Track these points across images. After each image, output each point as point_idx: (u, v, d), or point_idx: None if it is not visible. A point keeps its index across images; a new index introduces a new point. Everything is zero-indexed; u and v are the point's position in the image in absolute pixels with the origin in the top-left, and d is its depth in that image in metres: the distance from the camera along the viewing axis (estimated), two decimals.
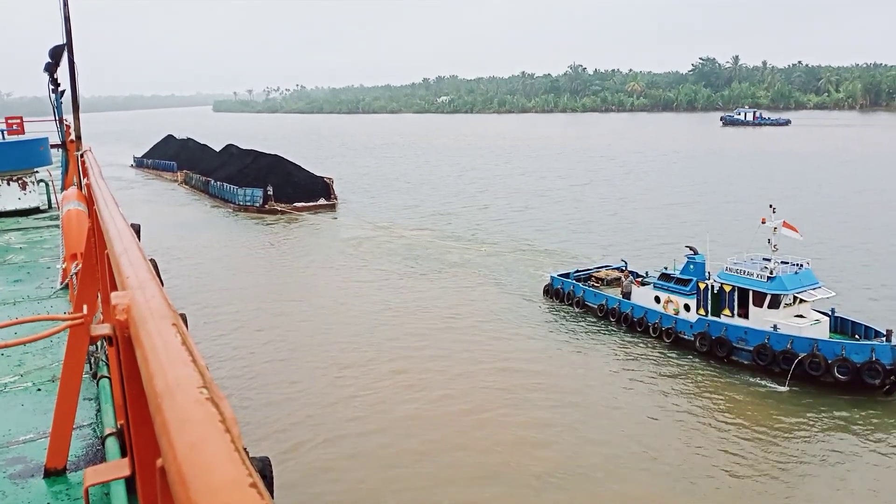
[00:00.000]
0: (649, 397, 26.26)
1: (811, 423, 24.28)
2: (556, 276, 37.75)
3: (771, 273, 28.22)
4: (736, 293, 29.05)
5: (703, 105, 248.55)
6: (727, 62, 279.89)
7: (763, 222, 29.43)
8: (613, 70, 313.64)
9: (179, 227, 61.32)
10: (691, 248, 32.44)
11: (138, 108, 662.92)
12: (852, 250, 46.08)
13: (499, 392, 26.45)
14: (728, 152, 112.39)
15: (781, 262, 28.93)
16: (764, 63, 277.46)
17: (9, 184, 20.46)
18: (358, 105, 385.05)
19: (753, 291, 28.45)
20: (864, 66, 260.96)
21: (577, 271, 38.40)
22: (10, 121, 24.28)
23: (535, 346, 31.38)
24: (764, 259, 29.31)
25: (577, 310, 35.50)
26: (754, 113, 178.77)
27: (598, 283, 36.71)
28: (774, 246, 29.09)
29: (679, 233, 52.70)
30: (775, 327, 27.47)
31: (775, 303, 28.09)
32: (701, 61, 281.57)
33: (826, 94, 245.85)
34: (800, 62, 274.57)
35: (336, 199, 70.43)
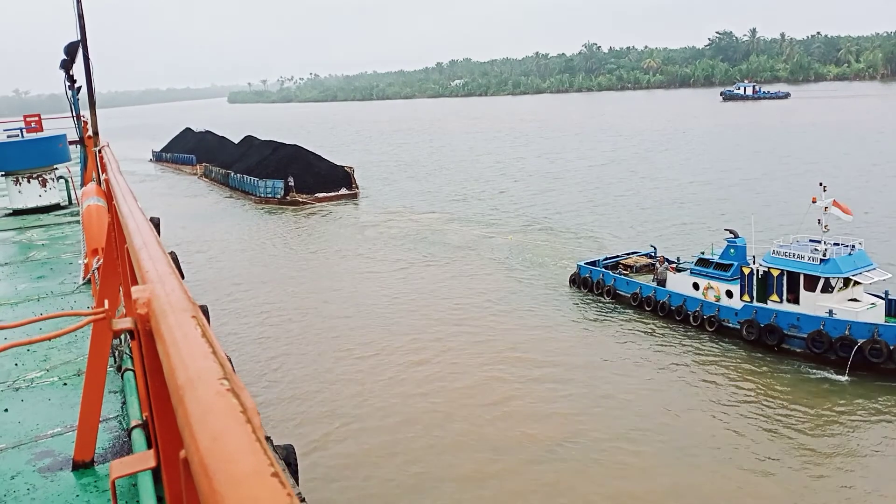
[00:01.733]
0: (698, 389, 24.94)
1: (878, 413, 22.86)
2: (583, 264, 36.11)
3: (824, 255, 26.53)
4: (785, 277, 27.34)
5: (720, 80, 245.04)
6: (744, 35, 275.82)
7: (814, 201, 27.79)
8: (629, 47, 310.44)
9: (201, 220, 61.79)
10: (731, 231, 30.82)
11: (154, 103, 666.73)
12: (880, 226, 45.32)
13: (532, 386, 25.54)
14: (743, 128, 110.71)
15: (834, 244, 27.16)
16: (782, 35, 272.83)
17: (29, 181, 20.70)
18: (372, 92, 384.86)
19: (805, 275, 26.79)
20: (885, 34, 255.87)
21: (606, 259, 36.56)
22: (28, 119, 24.55)
23: (568, 338, 30.09)
24: (811, 241, 27.79)
25: (607, 299, 33.93)
26: (753, 87, 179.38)
27: (626, 270, 35.09)
28: (825, 226, 27.36)
29: (700, 214, 52.24)
30: (831, 313, 25.88)
31: (828, 287, 26.48)
32: (717, 35, 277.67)
33: (846, 64, 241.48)
34: (819, 33, 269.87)
35: (358, 188, 69.72)
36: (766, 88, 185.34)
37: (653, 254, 35.97)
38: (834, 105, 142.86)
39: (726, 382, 25.43)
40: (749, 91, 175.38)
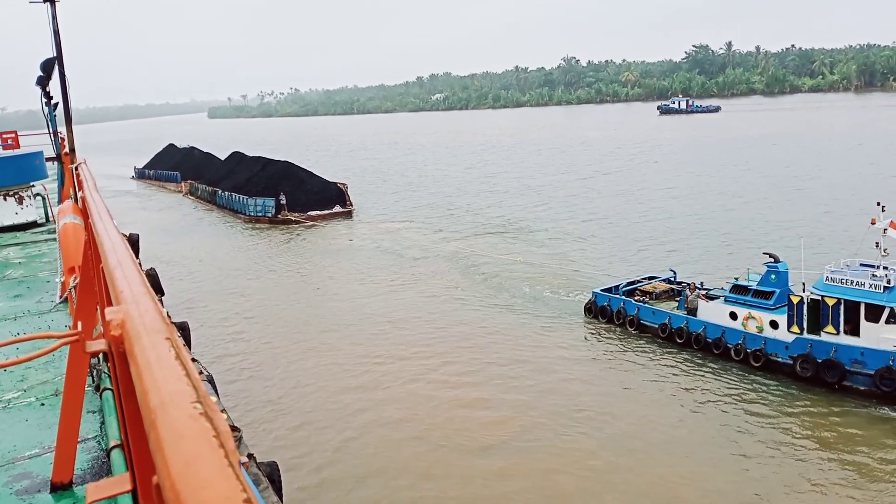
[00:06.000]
0: (753, 436, 22.16)
1: None
2: (599, 291, 32.77)
3: (888, 282, 23.95)
4: (842, 307, 24.51)
5: (697, 92, 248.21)
6: (720, 48, 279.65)
7: (873, 223, 25.11)
8: (607, 61, 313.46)
9: (185, 238, 60.69)
10: (771, 256, 28.04)
11: (133, 118, 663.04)
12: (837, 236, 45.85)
13: (552, 433, 22.71)
14: (696, 140, 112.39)
15: None
16: (757, 48, 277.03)
17: (5, 199, 20.45)
18: (352, 106, 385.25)
19: (866, 304, 24.02)
20: (858, 47, 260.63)
21: (622, 284, 33.02)
22: (5, 136, 24.34)
23: (592, 379, 26.76)
24: (862, 265, 25.34)
25: (630, 330, 30.71)
26: (687, 101, 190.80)
27: (645, 297, 31.91)
28: (885, 250, 24.69)
29: (698, 230, 52.61)
30: None
31: (894, 317, 23.74)
32: (694, 48, 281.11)
33: (821, 76, 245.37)
34: (793, 46, 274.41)
35: (352, 205, 67.51)
36: (698, 103, 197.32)
37: (672, 279, 33.31)
38: (759, 118, 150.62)
39: (785, 428, 22.67)
40: (683, 105, 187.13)
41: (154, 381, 1.71)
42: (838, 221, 48.62)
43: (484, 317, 34.51)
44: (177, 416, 1.52)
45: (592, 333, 31.63)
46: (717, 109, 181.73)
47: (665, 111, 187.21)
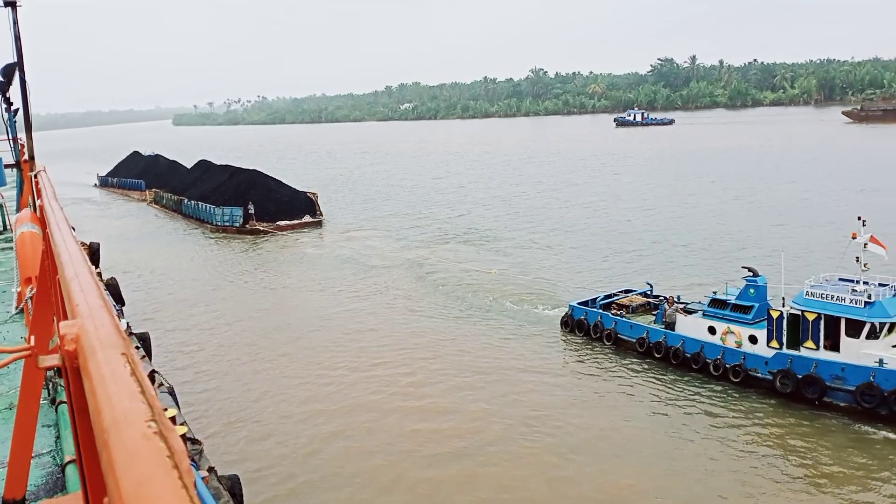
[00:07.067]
0: (729, 451, 21.83)
1: None
2: (576, 304, 32.43)
3: (869, 297, 23.69)
4: (822, 322, 24.32)
5: (662, 105, 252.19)
6: (685, 62, 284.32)
7: (854, 237, 25.02)
8: (574, 73, 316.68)
9: (149, 248, 59.77)
10: (750, 269, 27.87)
11: (96, 125, 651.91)
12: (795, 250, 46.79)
13: (524, 450, 22.19)
14: (666, 152, 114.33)
15: (880, 285, 24.36)
16: (720, 62, 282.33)
17: None
18: (321, 114, 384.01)
19: (847, 319, 23.83)
20: (818, 61, 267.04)
21: (599, 298, 32.75)
22: None
23: (568, 394, 26.38)
24: (841, 280, 25.22)
25: (607, 344, 30.46)
26: (642, 114, 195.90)
27: (622, 310, 31.61)
28: (864, 265, 24.57)
29: (661, 240, 53.17)
30: (881, 362, 23.03)
31: (874, 333, 23.62)
32: (659, 62, 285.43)
33: (782, 90, 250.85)
34: (755, 60, 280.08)
35: (322, 215, 66.68)
36: (653, 115, 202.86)
37: (649, 292, 33.09)
38: (715, 130, 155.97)
39: (769, 447, 22.20)
40: (639, 118, 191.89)
41: (108, 398, 1.67)
42: (793, 234, 49.66)
43: (451, 327, 34.51)
44: (130, 435, 1.48)
45: (568, 347, 31.28)
46: (671, 122, 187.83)
47: (621, 123, 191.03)
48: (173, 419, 14.57)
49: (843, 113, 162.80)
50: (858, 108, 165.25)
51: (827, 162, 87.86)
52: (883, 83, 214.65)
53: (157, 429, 1.51)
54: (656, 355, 28.49)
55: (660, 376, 27.54)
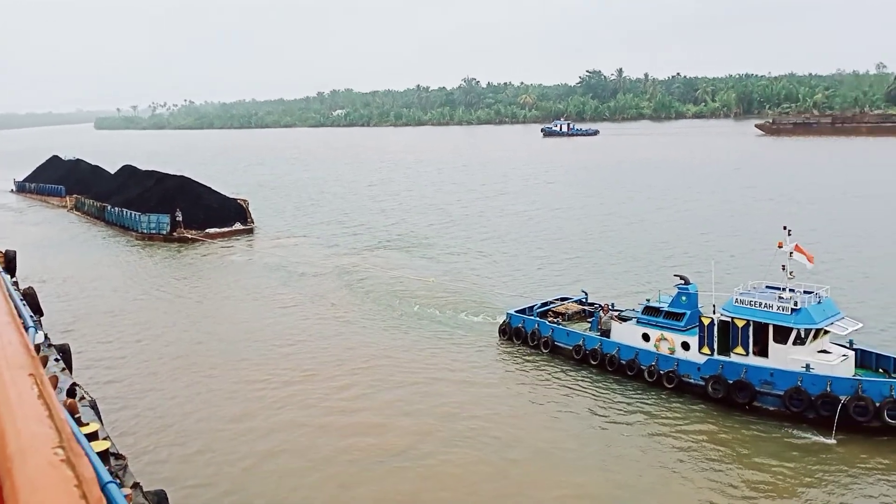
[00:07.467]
0: (656, 454, 22.17)
1: (882, 481, 20.58)
2: (514, 313, 32.30)
3: (795, 305, 24.23)
4: (751, 328, 24.87)
5: (591, 115, 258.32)
6: (612, 74, 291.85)
7: (780, 246, 25.49)
8: (506, 83, 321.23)
9: (69, 257, 57.41)
10: (682, 278, 28.27)
11: (12, 128, 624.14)
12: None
13: (464, 463, 21.99)
14: (587, 163, 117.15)
15: (805, 292, 24.93)
16: (646, 75, 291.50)
17: None
18: (250, 120, 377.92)
19: (775, 326, 24.40)
20: (738, 76, 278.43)
21: (536, 306, 32.86)
22: None
23: (506, 404, 26.27)
24: (768, 287, 25.74)
25: (544, 352, 30.38)
26: (568, 125, 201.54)
27: (557, 318, 31.70)
28: (790, 273, 25.09)
29: (591, 249, 53.94)
30: (808, 367, 23.64)
31: (800, 339, 24.19)
32: (588, 74, 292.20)
33: (703, 103, 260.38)
34: (679, 74, 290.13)
35: (253, 222, 65.29)
36: (578, 126, 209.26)
37: (584, 300, 33.27)
38: (638, 141, 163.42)
39: (700, 452, 22.43)
40: (564, 128, 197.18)
41: (13, 423, 1.50)
42: (717, 242, 51.31)
43: (385, 338, 34.08)
44: (35, 463, 1.32)
45: (506, 356, 31.10)
46: (595, 133, 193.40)
47: (548, 133, 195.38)
48: (95, 434, 13.91)
49: (757, 126, 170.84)
50: (770, 121, 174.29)
51: (746, 173, 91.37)
52: (798, 97, 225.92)
53: (65, 455, 1.35)
54: (592, 362, 28.69)
55: (596, 384, 27.78)
